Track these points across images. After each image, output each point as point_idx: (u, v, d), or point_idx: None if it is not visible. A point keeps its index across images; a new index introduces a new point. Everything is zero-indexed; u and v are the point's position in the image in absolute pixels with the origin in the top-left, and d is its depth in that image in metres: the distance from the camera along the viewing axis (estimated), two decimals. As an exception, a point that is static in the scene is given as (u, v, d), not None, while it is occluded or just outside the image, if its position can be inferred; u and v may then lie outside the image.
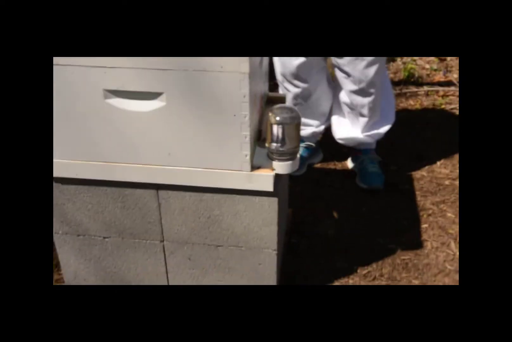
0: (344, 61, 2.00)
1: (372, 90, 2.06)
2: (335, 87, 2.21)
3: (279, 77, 2.16)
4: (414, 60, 3.12)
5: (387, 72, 2.23)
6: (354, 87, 2.06)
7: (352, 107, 2.15)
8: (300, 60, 2.05)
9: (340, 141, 2.30)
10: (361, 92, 2.06)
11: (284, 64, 2.08)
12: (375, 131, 2.23)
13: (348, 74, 2.03)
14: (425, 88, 2.94)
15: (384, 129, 2.23)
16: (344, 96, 2.15)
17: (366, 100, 2.09)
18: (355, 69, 2.00)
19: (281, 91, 2.22)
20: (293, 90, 2.15)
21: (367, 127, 2.21)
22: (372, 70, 1.99)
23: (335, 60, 2.03)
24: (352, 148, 2.35)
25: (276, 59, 2.12)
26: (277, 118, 1.36)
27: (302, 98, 2.17)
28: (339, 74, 2.08)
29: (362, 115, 2.15)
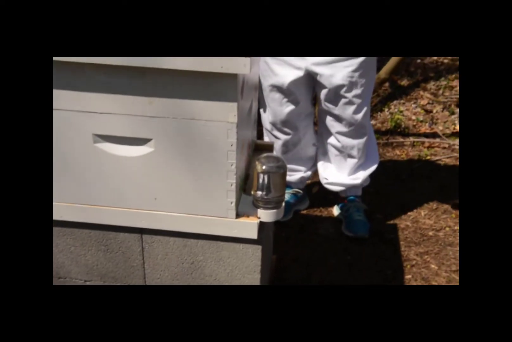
0: (334, 106, 2.04)
1: (361, 131, 2.11)
2: (321, 133, 2.25)
3: (267, 126, 2.19)
4: (401, 111, 3.19)
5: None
6: (344, 129, 2.10)
7: (342, 150, 2.18)
8: (290, 107, 2.09)
9: (327, 186, 2.32)
10: (351, 134, 2.11)
11: (275, 113, 2.11)
12: (361, 172, 2.25)
13: (338, 118, 2.08)
14: (411, 138, 2.99)
15: (370, 170, 2.26)
16: (333, 139, 2.18)
17: (356, 141, 2.13)
18: (344, 113, 2.04)
19: (267, 139, 2.25)
20: (283, 138, 2.18)
21: (353, 169, 2.23)
22: (361, 114, 2.04)
23: (325, 104, 2.07)
24: (338, 195, 2.37)
25: (265, 109, 2.16)
26: (264, 167, 1.38)
27: (293, 144, 2.21)
28: (328, 118, 2.12)
29: (350, 157, 2.19)
